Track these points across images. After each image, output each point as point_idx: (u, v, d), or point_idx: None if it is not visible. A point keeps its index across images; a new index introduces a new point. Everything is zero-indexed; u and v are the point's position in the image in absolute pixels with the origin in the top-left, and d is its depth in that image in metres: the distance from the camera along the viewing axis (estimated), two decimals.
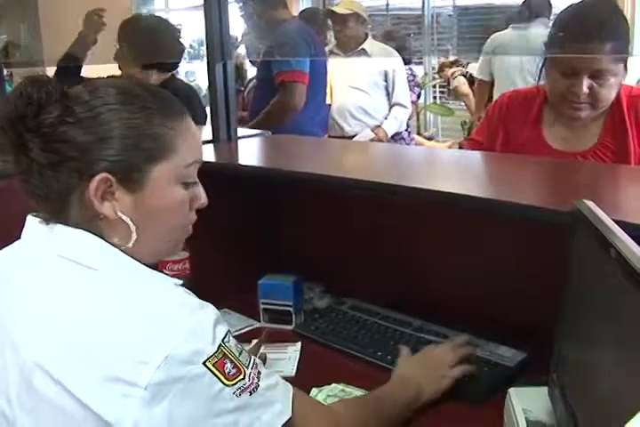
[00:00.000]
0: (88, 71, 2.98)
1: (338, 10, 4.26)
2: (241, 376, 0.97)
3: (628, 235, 0.87)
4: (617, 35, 1.78)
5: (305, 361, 1.58)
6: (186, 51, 3.70)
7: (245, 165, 1.96)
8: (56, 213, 1.04)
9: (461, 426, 1.34)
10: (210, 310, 0.99)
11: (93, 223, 1.03)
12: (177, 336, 0.93)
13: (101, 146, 1.00)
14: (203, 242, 1.74)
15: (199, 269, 1.73)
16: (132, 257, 1.04)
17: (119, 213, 1.02)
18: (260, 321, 1.77)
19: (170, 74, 3.05)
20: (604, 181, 1.60)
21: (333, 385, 1.41)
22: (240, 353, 1.00)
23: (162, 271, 1.66)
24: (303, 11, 5.33)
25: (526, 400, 1.21)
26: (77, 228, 1.03)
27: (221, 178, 1.85)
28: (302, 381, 1.31)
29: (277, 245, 2.00)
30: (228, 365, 0.96)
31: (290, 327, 1.74)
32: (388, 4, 7.68)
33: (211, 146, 2.10)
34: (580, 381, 1.03)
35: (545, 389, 1.19)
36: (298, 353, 1.61)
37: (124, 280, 1.02)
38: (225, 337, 0.98)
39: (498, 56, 4.66)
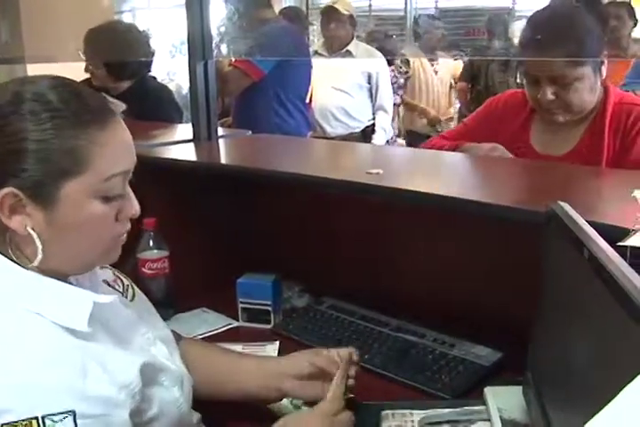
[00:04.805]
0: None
1: (341, 9, 4.25)
2: None
3: (601, 236, 0.88)
4: (571, 39, 1.76)
5: None
6: (169, 50, 3.68)
7: (225, 165, 1.96)
8: None
9: None
10: (61, 372, 0.89)
11: (6, 235, 0.98)
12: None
13: (7, 159, 0.93)
14: (182, 241, 1.75)
15: (178, 267, 1.73)
16: (45, 271, 0.99)
17: (28, 229, 0.95)
18: (238, 320, 1.77)
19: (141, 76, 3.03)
20: (580, 182, 1.61)
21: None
22: None
23: (141, 269, 1.68)
24: (283, 9, 5.30)
25: (501, 399, 1.22)
26: None
27: (201, 177, 1.86)
28: None
29: (256, 244, 2.00)
30: None
31: (268, 326, 1.74)
32: (370, 6, 7.70)
33: (191, 145, 2.11)
34: (554, 380, 1.04)
35: (520, 388, 1.20)
36: (276, 352, 1.61)
37: None
38: (54, 415, 0.84)
39: None
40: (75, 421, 0.86)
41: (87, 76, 2.96)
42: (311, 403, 1.28)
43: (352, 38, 4.36)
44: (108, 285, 1.19)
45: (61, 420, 0.85)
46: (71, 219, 0.97)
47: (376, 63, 4.43)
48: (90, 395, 0.90)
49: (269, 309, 1.74)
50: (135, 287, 1.27)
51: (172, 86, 4.71)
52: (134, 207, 1.04)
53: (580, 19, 1.82)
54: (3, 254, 0.98)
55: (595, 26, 1.80)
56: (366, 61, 4.38)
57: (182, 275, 1.73)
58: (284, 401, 1.34)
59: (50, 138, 0.93)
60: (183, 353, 1.27)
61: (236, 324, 1.77)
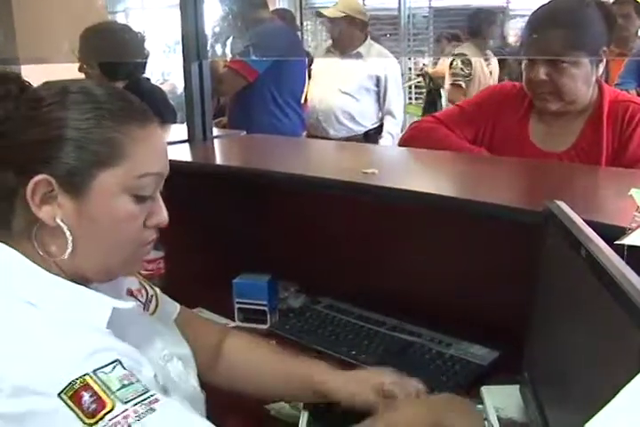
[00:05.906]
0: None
1: (327, 13, 4.16)
2: (105, 410, 0.82)
3: (599, 235, 0.88)
4: (572, 23, 1.79)
5: None
6: (164, 50, 3.69)
7: (220, 165, 1.96)
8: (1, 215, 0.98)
9: None
10: (94, 337, 0.90)
11: (33, 229, 0.97)
12: (32, 363, 0.85)
13: (44, 146, 0.93)
14: (177, 241, 1.74)
15: (174, 268, 1.73)
16: (68, 271, 0.98)
17: (58, 220, 0.94)
18: (234, 320, 1.76)
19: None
20: (577, 181, 1.61)
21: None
22: (123, 387, 0.85)
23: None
24: (273, 11, 5.25)
25: (498, 398, 1.22)
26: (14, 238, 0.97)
27: (196, 177, 1.85)
28: None
29: (252, 245, 1.99)
30: (86, 398, 0.82)
31: (265, 327, 1.74)
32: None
33: (186, 145, 2.10)
34: (551, 379, 1.04)
35: (517, 387, 1.20)
36: None
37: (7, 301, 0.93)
38: (104, 367, 0.85)
39: None
40: (124, 368, 0.87)
41: (81, 76, 2.95)
42: (308, 405, 1.28)
43: (365, 39, 4.23)
44: (132, 294, 1.17)
45: (112, 370, 0.85)
46: (101, 212, 0.96)
47: (386, 66, 4.35)
48: (125, 352, 0.91)
49: (265, 309, 1.74)
50: (160, 299, 1.24)
51: (166, 86, 4.72)
52: (163, 215, 1.03)
53: (585, 11, 1.84)
54: (26, 257, 0.97)
55: (600, 21, 1.81)
56: (376, 64, 4.28)
57: (178, 275, 1.72)
58: (282, 402, 1.34)
59: (89, 127, 0.94)
60: (227, 350, 1.28)
61: (232, 324, 1.76)
